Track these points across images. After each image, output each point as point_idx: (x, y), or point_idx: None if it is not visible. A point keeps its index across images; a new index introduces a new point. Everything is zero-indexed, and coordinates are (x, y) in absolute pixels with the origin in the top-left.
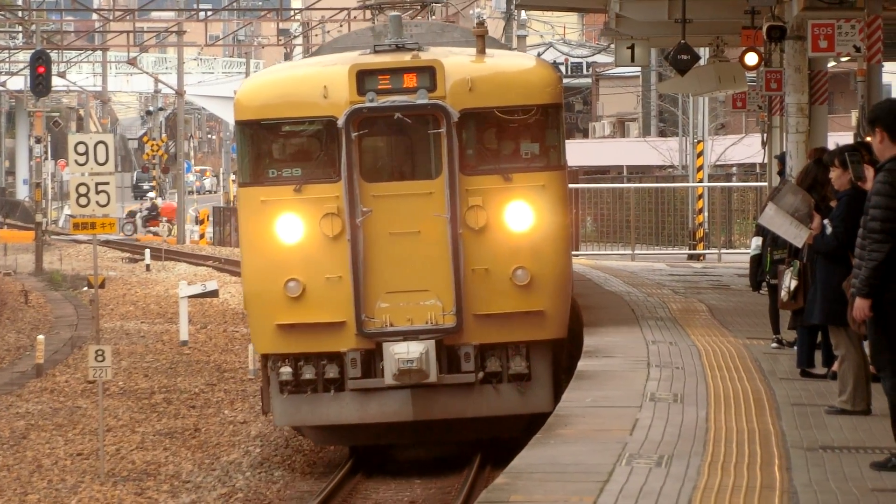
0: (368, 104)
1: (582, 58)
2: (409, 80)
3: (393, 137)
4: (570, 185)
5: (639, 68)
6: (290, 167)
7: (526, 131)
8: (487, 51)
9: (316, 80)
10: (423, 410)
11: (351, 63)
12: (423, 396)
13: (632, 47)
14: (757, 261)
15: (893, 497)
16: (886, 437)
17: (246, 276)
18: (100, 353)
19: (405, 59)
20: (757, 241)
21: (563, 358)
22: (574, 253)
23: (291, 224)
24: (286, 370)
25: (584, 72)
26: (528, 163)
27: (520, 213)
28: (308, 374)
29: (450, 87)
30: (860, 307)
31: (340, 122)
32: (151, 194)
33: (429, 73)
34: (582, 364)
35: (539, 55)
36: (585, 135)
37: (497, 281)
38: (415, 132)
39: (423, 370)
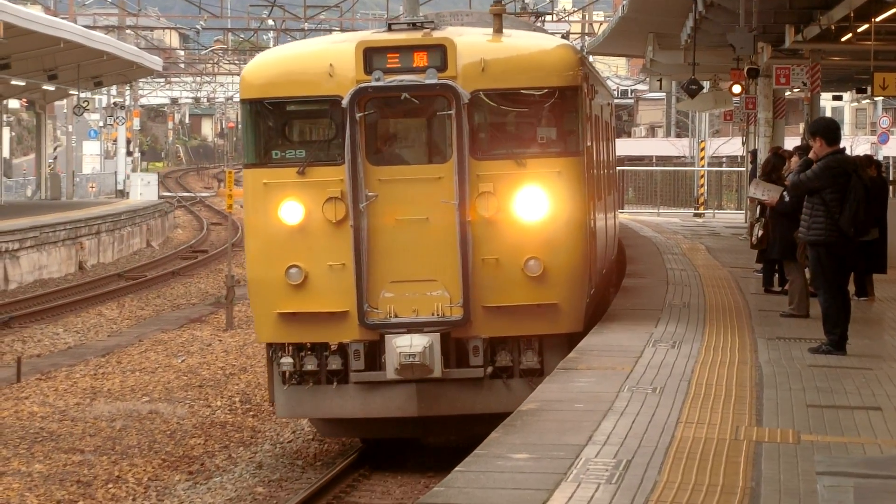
0: (374, 83)
1: (628, 86)
2: (419, 59)
3: (400, 119)
4: (619, 168)
5: (664, 93)
6: (294, 149)
7: (542, 115)
8: (506, 31)
9: (322, 57)
10: (429, 406)
11: (359, 40)
12: (428, 391)
13: (660, 80)
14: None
15: (822, 371)
16: (819, 332)
17: (248, 260)
18: None
19: (416, 36)
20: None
21: None
22: (620, 211)
23: (293, 208)
24: (287, 360)
25: (629, 95)
26: (543, 148)
27: (533, 201)
28: (310, 364)
29: (461, 67)
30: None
31: (345, 102)
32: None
33: (439, 52)
34: (625, 282)
35: None
36: (629, 135)
37: (508, 272)
38: (423, 114)
39: (426, 365)
